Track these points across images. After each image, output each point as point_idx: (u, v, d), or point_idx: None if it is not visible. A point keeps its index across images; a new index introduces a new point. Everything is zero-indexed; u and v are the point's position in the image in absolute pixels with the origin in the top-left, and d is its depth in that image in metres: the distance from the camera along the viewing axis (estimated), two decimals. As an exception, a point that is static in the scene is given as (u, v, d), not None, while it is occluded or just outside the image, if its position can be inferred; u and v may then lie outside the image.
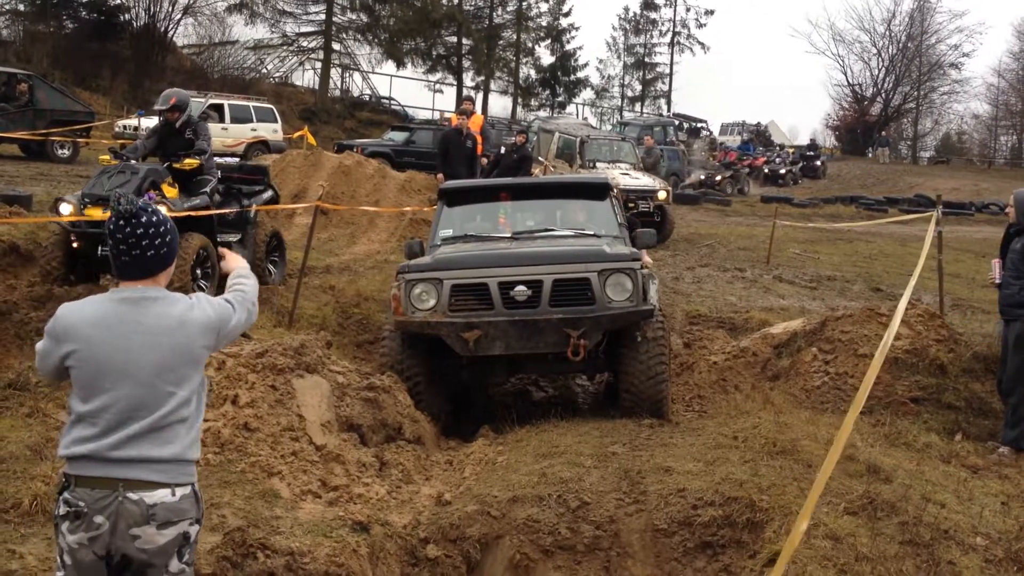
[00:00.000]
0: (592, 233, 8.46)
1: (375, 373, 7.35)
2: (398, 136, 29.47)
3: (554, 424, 7.34)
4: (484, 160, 15.39)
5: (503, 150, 15.66)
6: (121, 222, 3.28)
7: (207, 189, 9.74)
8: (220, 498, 5.38)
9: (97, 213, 8.89)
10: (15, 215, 11.21)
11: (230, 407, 6.17)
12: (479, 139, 15.10)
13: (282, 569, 4.77)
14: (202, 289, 9.24)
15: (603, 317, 7.31)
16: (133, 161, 9.54)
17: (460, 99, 44.71)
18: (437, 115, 43.56)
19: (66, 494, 3.18)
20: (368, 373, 7.25)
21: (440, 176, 14.05)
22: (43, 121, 23.26)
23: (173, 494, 3.22)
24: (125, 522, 3.14)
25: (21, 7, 39.31)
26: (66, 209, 9.13)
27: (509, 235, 8.50)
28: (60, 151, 23.16)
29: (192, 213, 9.15)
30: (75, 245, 9.21)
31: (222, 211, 9.91)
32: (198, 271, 9.26)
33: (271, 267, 10.98)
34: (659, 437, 6.93)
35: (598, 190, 9.12)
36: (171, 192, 9.39)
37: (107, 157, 9.88)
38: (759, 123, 59.34)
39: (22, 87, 23.41)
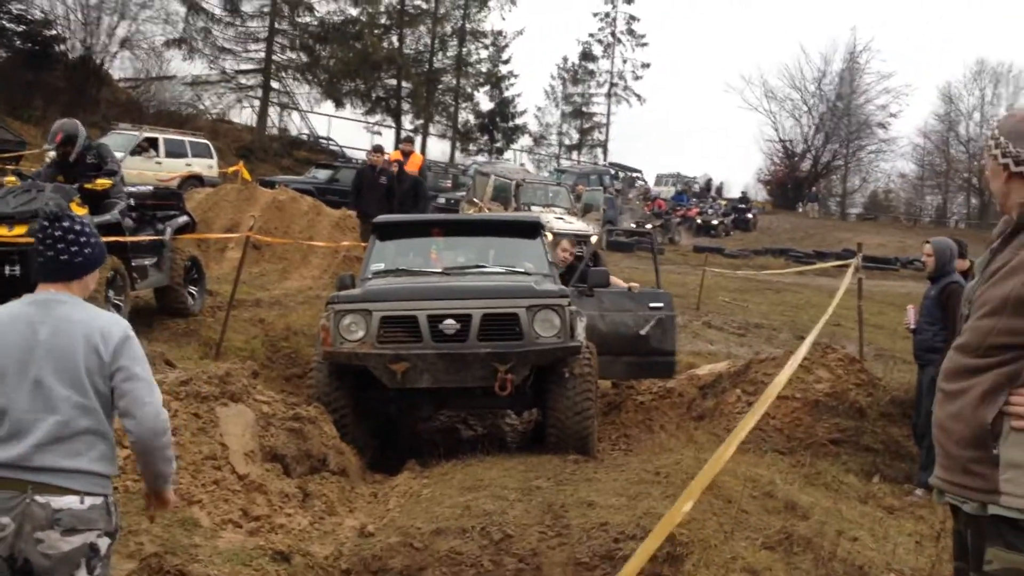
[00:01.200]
0: (522, 271, 8.54)
1: (301, 404, 7.30)
2: (322, 174, 29.54)
3: (479, 459, 7.36)
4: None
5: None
6: (45, 223, 3.30)
7: (117, 208, 9.60)
8: (138, 525, 5.29)
9: (3, 231, 8.71)
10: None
11: (151, 434, 6.07)
12: (418, 176, 15.24)
13: (199, 597, 4.71)
14: (117, 308, 9.11)
15: (531, 352, 7.38)
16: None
17: (399, 140, 44.96)
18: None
19: None
20: (294, 403, 7.20)
21: (351, 213, 14.38)
22: (-29, 149, 22.89)
23: (82, 502, 3.17)
24: (30, 524, 3.11)
25: (-47, 34, 38.73)
26: None
27: (440, 270, 8.55)
28: (-5, 185, 22.77)
29: (110, 237, 9.06)
30: None
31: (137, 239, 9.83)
32: (110, 292, 9.10)
33: (191, 292, 10.87)
34: (583, 472, 6.98)
35: (529, 229, 9.23)
36: (80, 211, 9.07)
37: (13, 179, 9.76)
38: (704, 175, 60.54)
39: (-50, 114, 23.02)
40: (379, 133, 48.96)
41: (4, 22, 39.21)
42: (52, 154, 9.83)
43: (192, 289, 10.95)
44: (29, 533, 3.11)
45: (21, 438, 3.15)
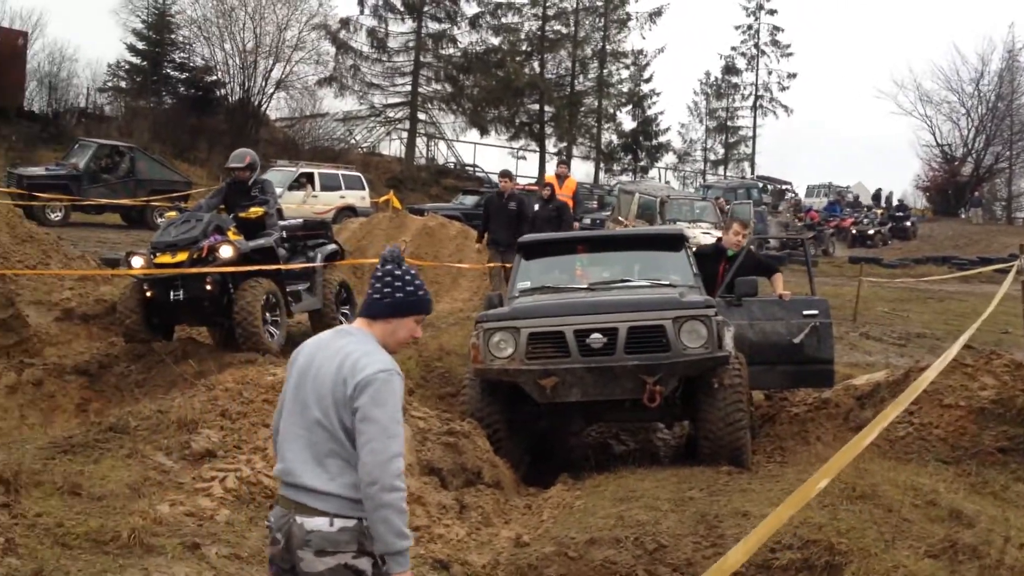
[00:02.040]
0: (667, 284, 8.55)
1: (455, 419, 7.51)
2: (468, 200, 30.17)
3: (631, 470, 7.40)
4: (576, 224, 15.43)
5: (537, 206, 15.10)
6: (381, 262, 3.45)
7: (272, 237, 10.16)
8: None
9: (167, 259, 9.32)
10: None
11: (316, 449, 6.38)
12: (571, 203, 15.11)
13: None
14: (271, 336, 9.66)
15: (678, 363, 7.38)
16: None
17: (542, 164, 45.45)
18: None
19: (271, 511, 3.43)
20: (448, 419, 7.42)
21: (479, 245, 14.14)
22: (143, 190, 24.38)
23: (331, 524, 3.20)
24: (293, 542, 3.24)
25: (123, 84, 41.31)
26: (137, 262, 9.55)
27: (585, 286, 8.65)
28: (159, 219, 24.15)
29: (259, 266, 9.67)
30: (148, 294, 9.52)
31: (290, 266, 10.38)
32: (267, 314, 9.59)
33: (342, 318, 11.21)
34: (737, 483, 6.94)
35: (673, 241, 9.24)
36: (235, 238, 9.76)
37: (173, 213, 10.39)
38: (847, 187, 58.71)
39: (124, 159, 24.59)
40: (523, 158, 49.63)
41: (169, 71, 41.67)
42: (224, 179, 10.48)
43: (344, 312, 11.32)
44: (293, 550, 3.24)
45: (285, 454, 3.34)
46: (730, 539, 5.81)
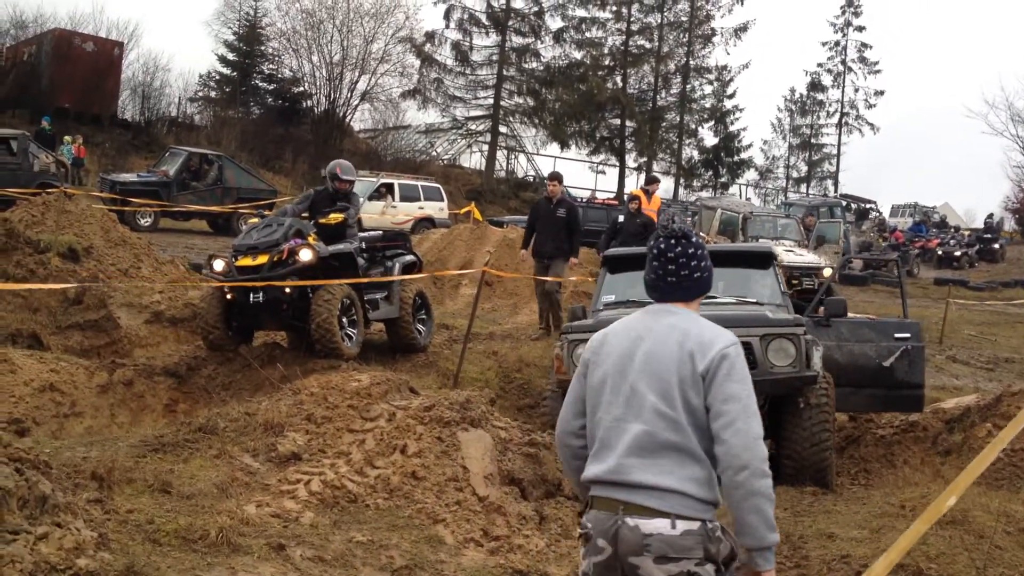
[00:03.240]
0: (754, 301, 8.44)
1: (536, 430, 7.50)
2: (548, 213, 30.19)
3: (714, 487, 7.31)
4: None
5: (621, 217, 14.79)
6: (672, 241, 3.16)
7: (352, 242, 10.23)
8: (388, 540, 5.62)
9: (247, 261, 9.44)
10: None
11: (399, 456, 6.43)
12: (655, 218, 14.93)
13: (446, 609, 4.94)
14: (349, 338, 9.68)
15: (765, 382, 7.27)
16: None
17: (622, 178, 45.27)
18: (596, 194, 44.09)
19: (583, 516, 3.07)
20: (530, 429, 7.41)
21: (523, 252, 13.20)
22: (230, 198, 24.93)
23: (673, 526, 2.88)
24: (623, 548, 2.92)
25: (213, 94, 42.34)
26: (219, 265, 9.67)
27: (671, 301, 8.57)
28: (244, 226, 24.66)
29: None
30: (229, 297, 9.62)
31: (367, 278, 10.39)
32: (344, 319, 9.63)
33: (419, 327, 11.22)
34: (822, 504, 6.82)
35: (761, 259, 9.11)
36: (315, 242, 9.85)
37: (256, 219, 10.59)
38: (933, 207, 57.41)
39: (212, 167, 25.21)
40: (603, 172, 49.63)
41: (257, 81, 42.61)
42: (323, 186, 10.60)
43: (420, 323, 11.32)
44: (624, 557, 2.92)
45: (611, 450, 3.02)
46: (815, 560, 5.72)
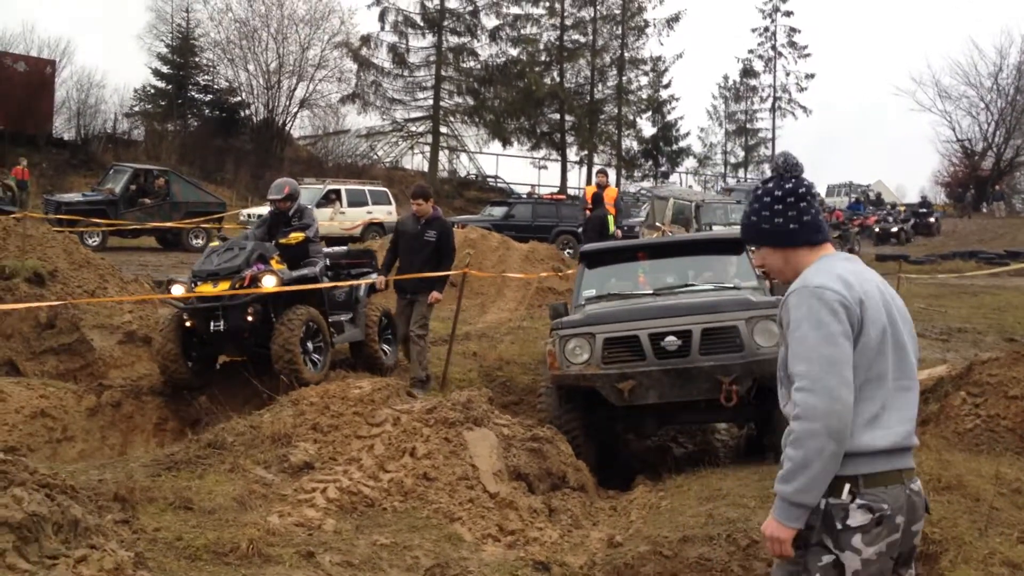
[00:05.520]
0: (731, 286, 8.68)
1: (535, 426, 7.66)
2: (497, 211, 30.45)
3: (711, 470, 7.53)
4: (619, 232, 15.18)
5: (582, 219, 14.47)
6: (806, 179, 3.10)
7: (317, 267, 9.93)
8: (411, 541, 5.75)
9: (208, 288, 9.06)
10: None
11: (409, 459, 6.55)
12: (612, 211, 14.97)
13: (481, 603, 5.08)
14: (314, 364, 9.34)
15: (753, 363, 7.52)
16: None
17: (564, 173, 45.54)
18: (536, 190, 44.38)
19: (857, 500, 2.81)
20: (531, 425, 7.57)
21: (380, 279, 10.36)
22: (179, 213, 24.72)
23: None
24: (911, 517, 2.87)
25: (150, 108, 41.81)
26: (178, 290, 9.26)
27: (650, 292, 8.80)
28: (194, 240, 24.52)
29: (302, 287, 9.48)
30: (188, 324, 9.25)
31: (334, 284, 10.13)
32: (309, 344, 9.34)
33: (385, 347, 10.96)
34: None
35: (733, 245, 9.37)
36: (279, 267, 9.52)
37: (216, 242, 10.28)
38: (868, 185, 58.63)
39: (160, 182, 24.95)
40: (545, 167, 49.88)
41: (193, 93, 42.15)
42: (265, 210, 10.38)
43: (386, 342, 11.01)
44: (909, 527, 2.87)
45: (897, 413, 2.89)
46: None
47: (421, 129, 46.22)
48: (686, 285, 8.91)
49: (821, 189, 55.32)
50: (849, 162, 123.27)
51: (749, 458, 8.66)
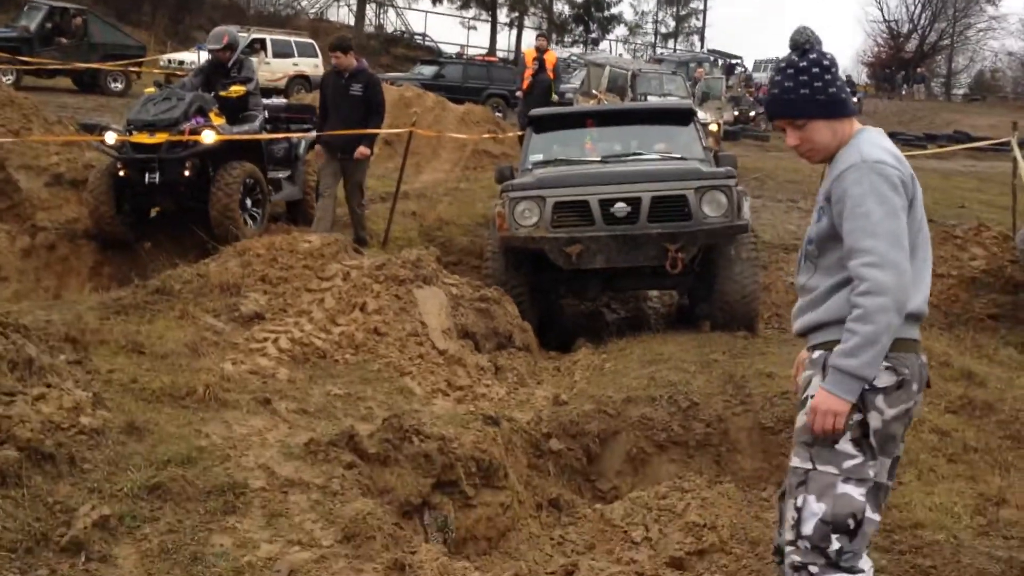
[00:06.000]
0: (678, 156, 8.75)
1: (483, 286, 7.74)
2: (427, 70, 29.81)
3: (652, 335, 7.74)
4: (556, 98, 14.94)
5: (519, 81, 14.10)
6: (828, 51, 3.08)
7: (257, 122, 9.74)
8: (364, 392, 5.84)
9: (145, 138, 8.79)
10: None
11: (359, 313, 6.60)
12: (551, 76, 14.76)
13: (435, 452, 5.17)
14: (253, 219, 9.26)
15: (699, 232, 7.66)
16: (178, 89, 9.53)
17: (494, 34, 44.68)
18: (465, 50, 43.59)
19: (884, 362, 2.89)
20: (479, 285, 7.64)
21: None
22: (96, 55, 23.65)
23: None
24: (921, 387, 3.01)
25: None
26: (111, 138, 9.00)
27: (598, 159, 8.82)
28: (113, 84, 23.61)
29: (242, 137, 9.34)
30: (122, 174, 9.02)
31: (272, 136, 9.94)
32: (247, 200, 9.24)
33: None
34: (755, 347, 7.31)
35: (682, 116, 9.41)
36: (218, 120, 9.32)
37: (152, 89, 9.83)
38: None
39: (77, 21, 23.77)
40: (474, 28, 48.91)
41: (109, -72, 39.77)
42: (203, 57, 10.03)
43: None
44: (918, 396, 3.00)
45: (925, 285, 3.01)
46: (758, 397, 6.19)
47: (348, -21, 44.69)
48: (635, 154, 8.94)
49: (749, 64, 55.42)
50: (777, 38, 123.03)
51: (681, 326, 8.91)
